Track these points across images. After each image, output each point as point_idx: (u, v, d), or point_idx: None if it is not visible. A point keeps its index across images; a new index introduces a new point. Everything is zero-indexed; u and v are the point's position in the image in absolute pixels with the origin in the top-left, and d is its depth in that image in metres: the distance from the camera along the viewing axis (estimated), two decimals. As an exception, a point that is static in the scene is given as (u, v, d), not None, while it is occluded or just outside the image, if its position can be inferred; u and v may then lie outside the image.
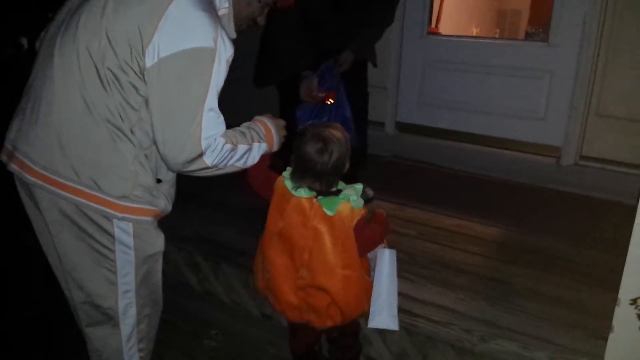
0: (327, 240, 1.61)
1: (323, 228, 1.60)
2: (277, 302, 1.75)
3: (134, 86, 1.36)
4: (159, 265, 1.62)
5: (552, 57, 3.35)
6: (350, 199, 1.60)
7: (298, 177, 1.64)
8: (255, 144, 1.53)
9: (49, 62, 1.41)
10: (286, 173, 1.68)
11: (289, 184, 1.65)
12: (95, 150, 1.39)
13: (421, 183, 3.46)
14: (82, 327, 1.62)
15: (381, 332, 2.10)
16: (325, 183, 1.63)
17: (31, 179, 1.42)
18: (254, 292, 2.25)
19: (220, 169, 1.45)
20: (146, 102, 1.38)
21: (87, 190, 1.40)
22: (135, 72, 1.34)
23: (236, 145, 1.47)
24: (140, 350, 1.64)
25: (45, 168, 1.41)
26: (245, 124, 1.58)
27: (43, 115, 1.41)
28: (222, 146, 1.42)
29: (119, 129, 1.39)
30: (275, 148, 1.62)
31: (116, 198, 1.42)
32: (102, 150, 1.39)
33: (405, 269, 2.28)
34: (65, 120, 1.39)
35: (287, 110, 2.68)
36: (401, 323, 2.02)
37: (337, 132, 1.63)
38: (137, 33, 1.31)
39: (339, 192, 1.63)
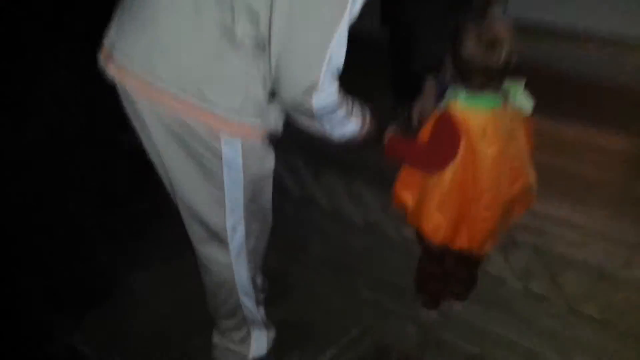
0: (522, 140, 1.51)
1: (519, 129, 1.49)
2: (480, 235, 1.57)
3: None
4: (269, 185, 1.50)
5: None
6: None
7: (470, 83, 1.42)
8: (353, 121, 1.38)
9: None
10: (463, 96, 1.43)
11: (473, 103, 1.42)
12: (203, 57, 1.21)
13: (536, 89, 3.11)
14: (192, 242, 1.57)
15: (502, 251, 1.93)
16: (500, 82, 1.44)
17: (131, 85, 1.26)
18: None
19: (313, 119, 1.28)
20: (266, 10, 1.15)
21: (193, 102, 1.23)
22: None
23: (341, 105, 1.29)
24: (249, 262, 1.58)
25: (146, 74, 1.23)
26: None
27: (144, 14, 1.22)
28: (334, 91, 1.22)
29: (231, 32, 1.18)
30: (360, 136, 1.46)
31: (225, 112, 1.26)
32: (211, 56, 1.20)
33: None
34: (170, 21, 1.20)
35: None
36: (529, 241, 1.86)
37: (502, 19, 1.40)
38: None
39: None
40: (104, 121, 2.67)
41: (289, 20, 1.13)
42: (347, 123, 1.38)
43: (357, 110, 1.42)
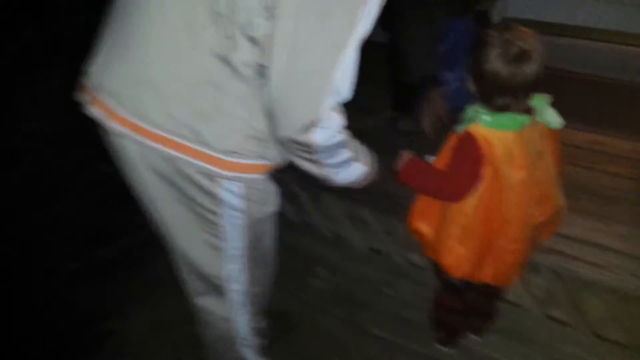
0: (550, 158, 1.39)
1: (547, 147, 1.37)
2: (507, 268, 1.44)
3: (254, 16, 1.00)
4: (272, 226, 1.36)
5: None
6: None
7: (494, 102, 1.28)
8: (358, 164, 1.25)
9: None
10: (486, 116, 1.28)
11: (498, 123, 1.27)
12: (196, 90, 1.07)
13: (541, 91, 2.97)
14: (188, 295, 1.45)
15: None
16: (527, 98, 1.29)
17: (117, 127, 1.12)
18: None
19: (314, 162, 1.15)
20: (267, 37, 1.02)
21: (187, 144, 1.10)
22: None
23: (346, 146, 1.16)
24: (250, 313, 1.46)
25: (133, 112, 1.10)
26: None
27: (131, 48, 1.09)
28: (336, 128, 1.08)
29: (227, 64, 1.05)
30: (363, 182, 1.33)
31: (223, 153, 1.12)
32: (205, 90, 1.07)
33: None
34: (161, 51, 1.07)
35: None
36: (551, 265, 1.73)
37: (528, 30, 1.24)
38: None
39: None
40: (90, 155, 2.55)
41: (290, 46, 0.99)
42: (351, 167, 1.24)
43: (362, 153, 1.27)
